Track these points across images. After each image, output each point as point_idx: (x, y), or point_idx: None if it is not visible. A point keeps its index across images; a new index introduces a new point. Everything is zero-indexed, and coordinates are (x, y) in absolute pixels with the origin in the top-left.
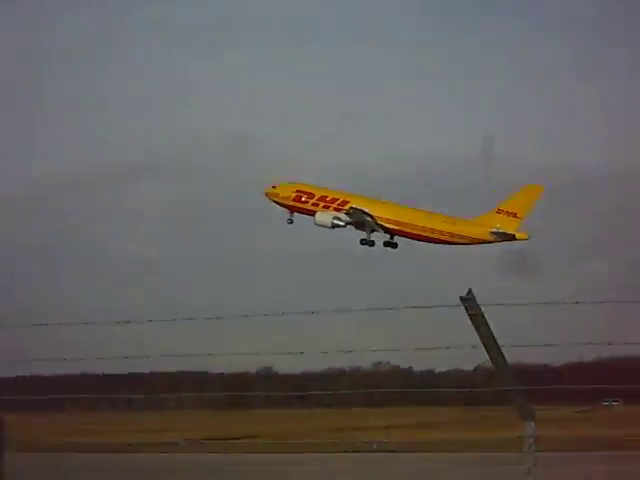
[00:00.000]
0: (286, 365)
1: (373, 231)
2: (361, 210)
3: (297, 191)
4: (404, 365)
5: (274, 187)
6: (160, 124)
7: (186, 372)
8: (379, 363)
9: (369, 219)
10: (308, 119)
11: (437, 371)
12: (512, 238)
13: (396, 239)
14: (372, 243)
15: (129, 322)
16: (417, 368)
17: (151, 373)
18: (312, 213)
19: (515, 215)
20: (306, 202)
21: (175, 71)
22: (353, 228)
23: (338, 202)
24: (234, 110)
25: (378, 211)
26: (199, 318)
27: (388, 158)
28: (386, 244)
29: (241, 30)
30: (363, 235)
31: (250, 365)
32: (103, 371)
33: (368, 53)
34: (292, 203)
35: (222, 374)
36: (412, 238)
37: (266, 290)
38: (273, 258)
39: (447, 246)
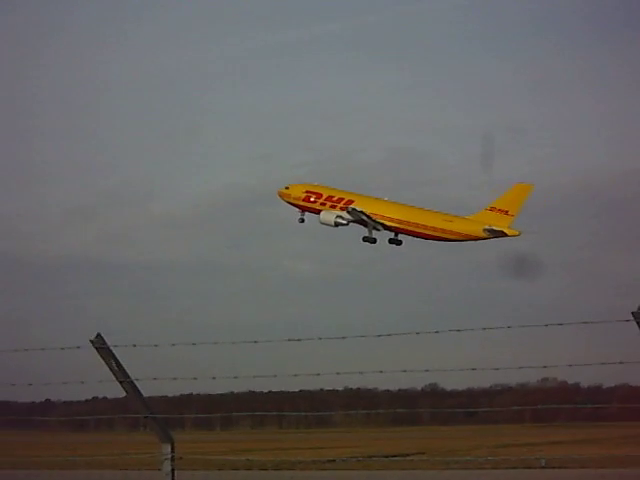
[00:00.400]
0: (451, 381)
1: (375, 229)
2: (359, 210)
3: (306, 191)
4: (571, 381)
5: (287, 188)
6: (322, 140)
7: (353, 389)
8: (546, 379)
9: (366, 218)
10: (470, 133)
11: (605, 387)
12: (503, 235)
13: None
14: (374, 240)
15: (299, 340)
16: (584, 384)
17: (320, 390)
18: (319, 212)
19: (507, 212)
20: (315, 202)
21: (335, 88)
22: (360, 227)
23: (344, 202)
24: (396, 125)
25: (381, 210)
26: (370, 336)
27: (552, 173)
28: (391, 241)
29: (399, 47)
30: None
31: (416, 382)
32: (270, 388)
33: (524, 65)
34: (302, 203)
35: (389, 391)
36: (411, 235)
37: (425, 306)
38: (427, 273)
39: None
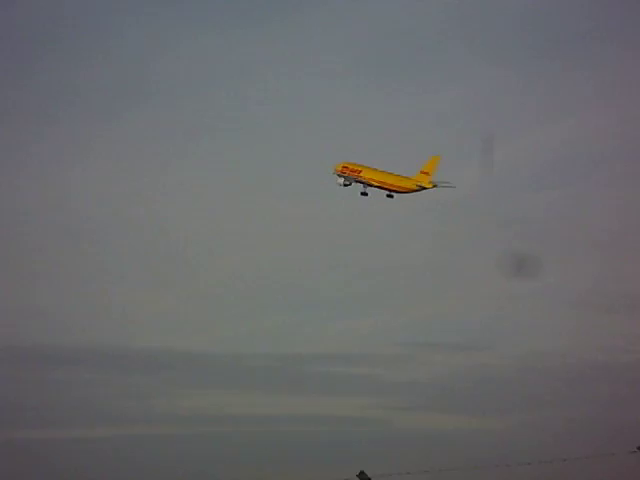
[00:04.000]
0: None
1: (367, 187)
2: (352, 178)
3: (342, 167)
4: None
5: (336, 165)
6: None
7: None
8: None
9: (361, 181)
10: None
11: None
12: (423, 188)
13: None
14: (366, 194)
15: None
16: None
17: None
18: None
19: (427, 173)
20: (345, 172)
21: None
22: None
23: (357, 172)
24: None
25: (371, 175)
26: None
27: None
28: (387, 196)
29: None
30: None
31: None
32: None
33: None
34: (341, 173)
35: None
36: (384, 189)
37: None
38: None
39: None
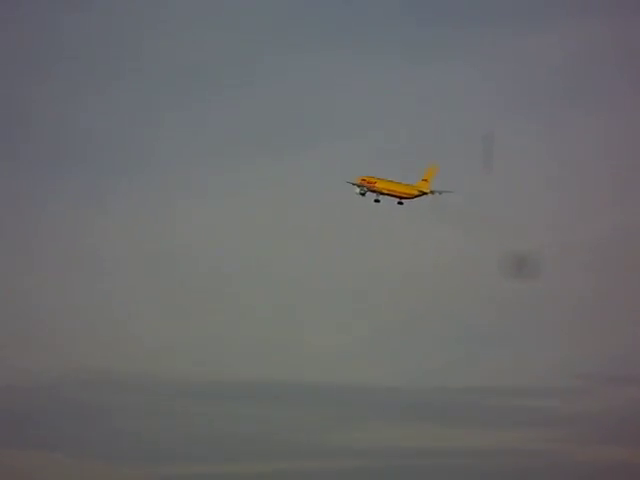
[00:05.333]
0: None
1: (381, 195)
2: (365, 187)
3: (361, 179)
4: None
5: (356, 178)
6: None
7: None
8: None
9: (374, 190)
10: None
11: None
12: (423, 193)
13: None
14: (378, 201)
15: None
16: None
17: None
18: None
19: (426, 180)
20: (362, 183)
21: None
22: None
23: (372, 183)
24: None
25: (383, 185)
26: None
27: None
28: (398, 203)
29: None
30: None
31: None
32: None
33: None
34: (359, 184)
35: None
36: (393, 196)
37: None
38: None
39: None
